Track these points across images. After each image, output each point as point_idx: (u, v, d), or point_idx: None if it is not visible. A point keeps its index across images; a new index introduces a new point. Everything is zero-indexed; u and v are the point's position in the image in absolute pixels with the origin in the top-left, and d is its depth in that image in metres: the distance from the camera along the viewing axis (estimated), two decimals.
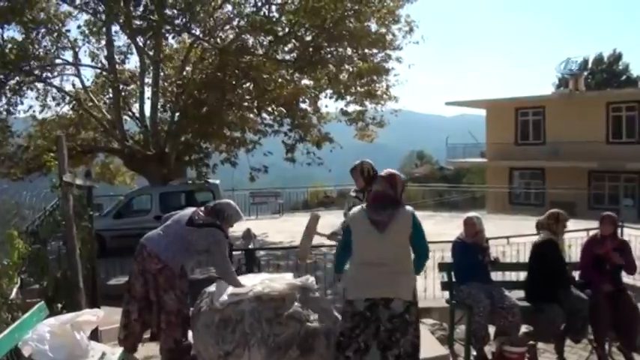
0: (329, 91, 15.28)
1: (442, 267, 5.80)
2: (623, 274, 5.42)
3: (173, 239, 4.30)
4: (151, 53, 14.41)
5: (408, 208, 3.72)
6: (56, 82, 15.40)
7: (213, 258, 4.47)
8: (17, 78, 14.26)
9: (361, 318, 3.62)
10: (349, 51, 14.59)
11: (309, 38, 14.01)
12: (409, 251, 3.69)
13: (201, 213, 4.43)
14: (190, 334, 4.37)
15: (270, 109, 15.38)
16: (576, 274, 5.51)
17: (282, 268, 8.72)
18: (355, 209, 3.84)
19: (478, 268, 5.22)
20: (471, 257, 5.21)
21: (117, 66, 14.85)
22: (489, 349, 4.99)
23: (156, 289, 4.24)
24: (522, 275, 5.70)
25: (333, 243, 5.21)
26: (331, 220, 6.24)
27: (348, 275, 3.89)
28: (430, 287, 8.16)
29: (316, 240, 4.85)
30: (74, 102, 15.28)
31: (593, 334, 5.04)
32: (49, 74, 15.01)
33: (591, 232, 5.72)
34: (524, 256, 7.31)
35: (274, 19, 14.01)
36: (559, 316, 4.92)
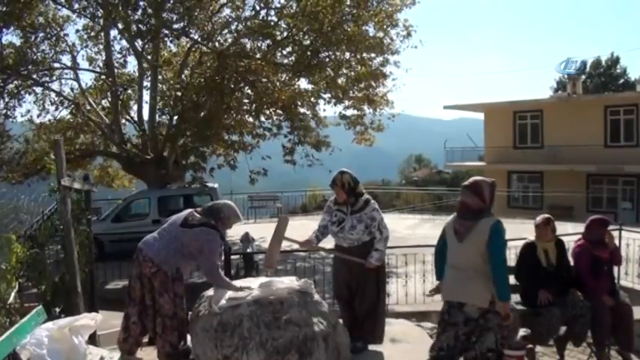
0: (327, 95, 15.30)
1: None
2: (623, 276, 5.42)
3: (167, 242, 4.27)
4: (149, 57, 14.42)
5: (491, 219, 3.79)
6: (54, 86, 15.43)
7: (201, 258, 4.29)
8: (15, 82, 14.27)
9: (441, 319, 3.95)
10: (347, 55, 14.61)
11: (307, 42, 14.03)
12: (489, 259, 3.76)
13: (196, 214, 4.38)
14: (189, 338, 4.36)
15: (268, 112, 15.39)
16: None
17: (280, 272, 8.71)
18: (450, 217, 4.08)
19: None
20: None
21: (115, 70, 14.86)
22: None
23: (151, 293, 4.23)
24: None
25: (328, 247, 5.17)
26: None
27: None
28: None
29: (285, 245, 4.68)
30: (72, 106, 15.29)
31: (594, 341, 5.02)
32: (47, 78, 15.02)
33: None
34: None
35: (273, 23, 14.04)
36: (557, 319, 4.91)
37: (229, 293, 4.13)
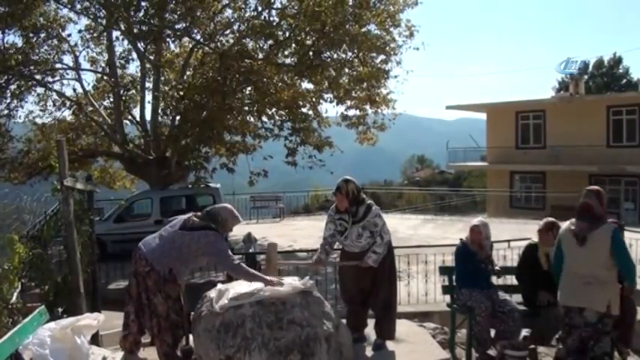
0: (329, 96, 15.28)
1: (443, 271, 5.80)
2: None
3: (163, 243, 4.29)
4: (151, 58, 14.43)
5: (610, 226, 4.01)
6: (56, 86, 15.44)
7: (215, 260, 4.51)
8: (18, 82, 14.28)
9: (565, 323, 4.25)
10: (349, 55, 14.59)
11: (309, 42, 14.01)
12: (609, 265, 3.97)
13: (195, 218, 4.39)
14: (192, 338, 4.36)
15: (270, 112, 15.38)
16: None
17: (282, 273, 8.70)
18: (565, 223, 4.27)
19: (479, 273, 5.20)
20: (471, 263, 5.19)
21: (118, 70, 14.87)
22: (490, 353, 4.98)
23: (146, 292, 4.25)
24: None
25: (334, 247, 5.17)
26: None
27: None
28: (431, 291, 8.17)
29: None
30: (75, 106, 15.30)
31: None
32: (49, 79, 15.03)
33: None
34: None
35: (275, 24, 14.03)
36: (556, 319, 4.89)
37: (231, 293, 4.12)
